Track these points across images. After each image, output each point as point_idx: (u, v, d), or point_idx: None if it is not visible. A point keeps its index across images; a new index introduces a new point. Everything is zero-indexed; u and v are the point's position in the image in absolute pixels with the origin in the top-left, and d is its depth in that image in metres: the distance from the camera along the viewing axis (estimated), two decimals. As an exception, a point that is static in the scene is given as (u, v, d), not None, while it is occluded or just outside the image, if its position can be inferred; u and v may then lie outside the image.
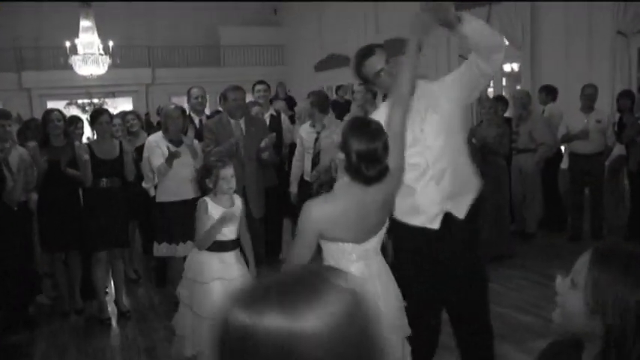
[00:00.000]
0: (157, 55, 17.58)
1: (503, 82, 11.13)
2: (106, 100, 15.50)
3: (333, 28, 15.51)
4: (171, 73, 17.10)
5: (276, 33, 18.54)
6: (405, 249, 2.88)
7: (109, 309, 4.99)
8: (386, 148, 2.22)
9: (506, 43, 10.17)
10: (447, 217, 2.75)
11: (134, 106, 15.94)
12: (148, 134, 5.46)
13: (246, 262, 3.70)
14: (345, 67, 15.28)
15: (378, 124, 2.28)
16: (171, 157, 4.48)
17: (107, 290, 5.24)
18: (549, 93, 7.75)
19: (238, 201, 3.64)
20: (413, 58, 2.48)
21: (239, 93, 4.83)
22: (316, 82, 16.24)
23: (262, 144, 4.78)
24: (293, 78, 17.08)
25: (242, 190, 4.81)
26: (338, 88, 10.21)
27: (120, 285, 5.01)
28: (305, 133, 5.43)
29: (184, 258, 4.85)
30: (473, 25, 2.50)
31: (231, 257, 3.58)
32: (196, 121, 5.47)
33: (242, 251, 3.71)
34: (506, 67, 11.15)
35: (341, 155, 2.27)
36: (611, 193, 6.71)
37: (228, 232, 3.57)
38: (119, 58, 14.35)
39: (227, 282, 3.49)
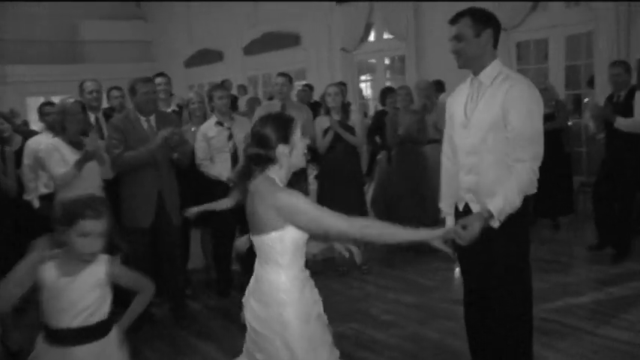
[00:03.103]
0: (8, 50, 15.65)
1: (387, 75, 11.23)
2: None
3: (204, 22, 14.84)
4: (25, 71, 15.31)
5: (142, 27, 17.42)
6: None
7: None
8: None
9: (390, 36, 10.28)
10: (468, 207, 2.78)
11: (-19, 108, 14.15)
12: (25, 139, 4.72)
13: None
14: (218, 63, 14.73)
15: (280, 115, 2.38)
16: (84, 160, 3.79)
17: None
18: (436, 85, 7.86)
19: (100, 267, 2.37)
20: None
21: (150, 85, 4.19)
22: (187, 79, 15.49)
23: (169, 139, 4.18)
24: (162, 75, 16.13)
25: (158, 196, 4.23)
26: (223, 82, 9.71)
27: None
28: (213, 131, 4.93)
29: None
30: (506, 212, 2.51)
31: (80, 354, 2.30)
32: (92, 118, 4.76)
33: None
34: (387, 61, 11.26)
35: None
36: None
37: (68, 316, 2.28)
38: (-39, 54, 12.62)
39: None
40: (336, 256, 5.70)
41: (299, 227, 2.18)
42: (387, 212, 6.21)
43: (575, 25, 7.67)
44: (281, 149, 2.24)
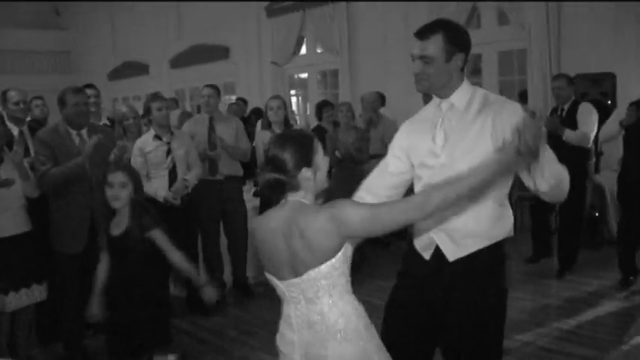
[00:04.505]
0: None
1: (319, 89, 11.09)
2: None
3: (128, 33, 14.26)
4: None
5: (61, 37, 16.51)
6: (405, 271, 2.50)
7: None
8: (288, 161, 1.94)
9: (320, 50, 10.16)
10: (440, 252, 2.31)
11: None
12: None
13: None
14: (143, 76, 14.16)
15: (300, 135, 2.06)
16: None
17: None
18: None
19: None
20: None
21: (81, 96, 3.81)
22: (111, 92, 14.81)
23: (112, 156, 3.85)
24: (82, 88, 15.32)
25: (91, 219, 3.83)
26: (155, 93, 9.25)
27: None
28: (151, 145, 4.61)
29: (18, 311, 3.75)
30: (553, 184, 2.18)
31: None
32: (15, 132, 4.30)
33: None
34: (318, 76, 11.13)
35: None
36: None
37: None
38: None
39: None
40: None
41: (359, 236, 1.93)
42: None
43: (508, 41, 7.81)
44: (304, 173, 1.95)
